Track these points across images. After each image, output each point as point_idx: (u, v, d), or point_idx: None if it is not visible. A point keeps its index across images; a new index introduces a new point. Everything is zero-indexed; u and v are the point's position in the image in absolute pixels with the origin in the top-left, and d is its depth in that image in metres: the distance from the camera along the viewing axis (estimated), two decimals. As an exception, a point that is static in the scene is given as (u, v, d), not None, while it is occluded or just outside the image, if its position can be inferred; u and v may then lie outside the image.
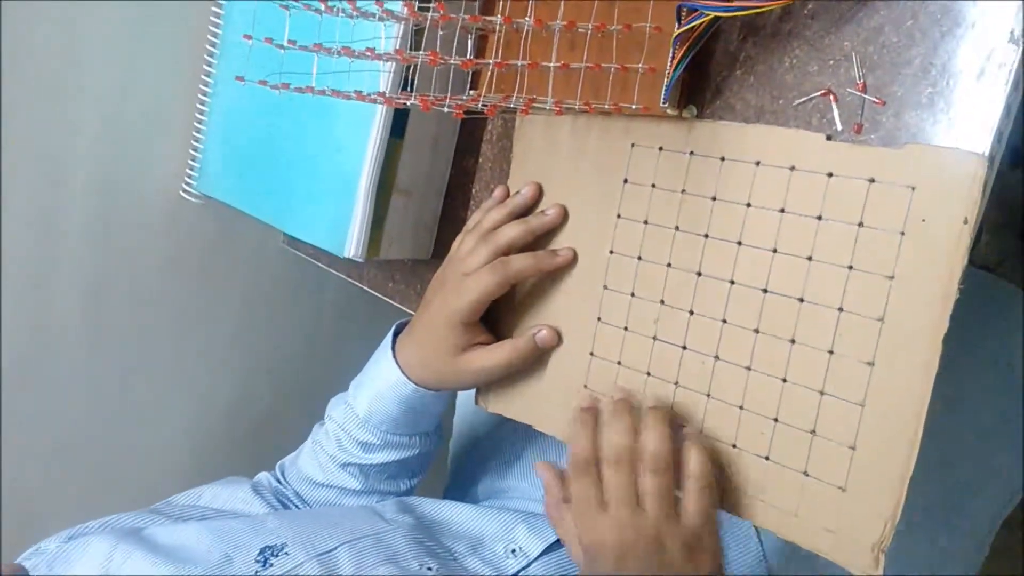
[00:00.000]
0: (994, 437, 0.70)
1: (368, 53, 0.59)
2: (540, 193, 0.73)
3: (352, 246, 0.77)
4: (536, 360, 0.72)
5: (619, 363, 0.69)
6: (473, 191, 0.83)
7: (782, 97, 0.62)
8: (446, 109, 0.55)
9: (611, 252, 0.70)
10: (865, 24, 0.58)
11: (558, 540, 0.71)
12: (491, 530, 0.75)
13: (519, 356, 0.71)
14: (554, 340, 0.71)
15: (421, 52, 0.58)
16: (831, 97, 0.60)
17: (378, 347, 0.79)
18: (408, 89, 0.70)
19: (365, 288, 0.92)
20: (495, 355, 0.71)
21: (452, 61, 0.56)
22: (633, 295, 0.68)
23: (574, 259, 0.71)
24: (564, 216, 0.72)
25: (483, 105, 0.58)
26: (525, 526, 0.74)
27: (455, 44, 0.60)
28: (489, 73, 0.63)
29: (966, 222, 0.52)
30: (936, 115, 0.55)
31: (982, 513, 0.72)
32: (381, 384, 0.76)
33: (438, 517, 0.77)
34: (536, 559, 0.71)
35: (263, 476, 0.86)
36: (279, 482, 0.85)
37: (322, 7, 0.61)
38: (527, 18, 0.59)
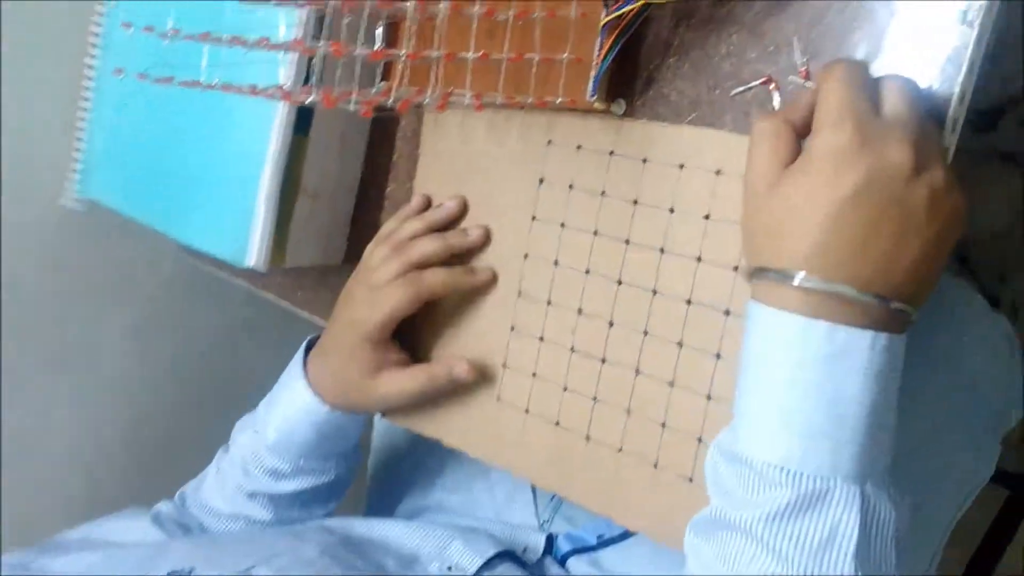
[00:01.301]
0: (948, 434, 0.67)
1: (262, 43, 0.53)
2: (464, 209, 0.68)
3: (253, 255, 0.70)
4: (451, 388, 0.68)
5: (534, 375, 0.64)
6: (388, 190, 0.77)
7: (719, 86, 0.58)
8: (352, 107, 0.49)
9: (526, 256, 0.65)
10: (807, 6, 0.54)
11: (496, 555, 0.66)
12: (425, 547, 0.69)
13: (433, 387, 0.67)
14: (471, 376, 0.66)
15: (322, 42, 0.52)
16: (772, 85, 0.55)
17: (289, 364, 0.73)
18: (313, 83, 0.63)
19: (271, 298, 0.85)
20: (408, 382, 0.67)
21: (358, 52, 0.49)
22: (550, 303, 0.63)
23: (492, 280, 0.66)
24: (486, 239, 0.67)
25: (394, 101, 0.52)
26: (461, 542, 0.69)
27: (361, 32, 0.54)
28: (401, 65, 0.57)
29: None
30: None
31: (939, 510, 0.70)
32: (292, 407, 0.69)
33: (366, 535, 0.71)
34: None
35: (163, 506, 0.78)
36: (181, 512, 0.78)
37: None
38: (442, 3, 0.53)
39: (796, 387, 0.43)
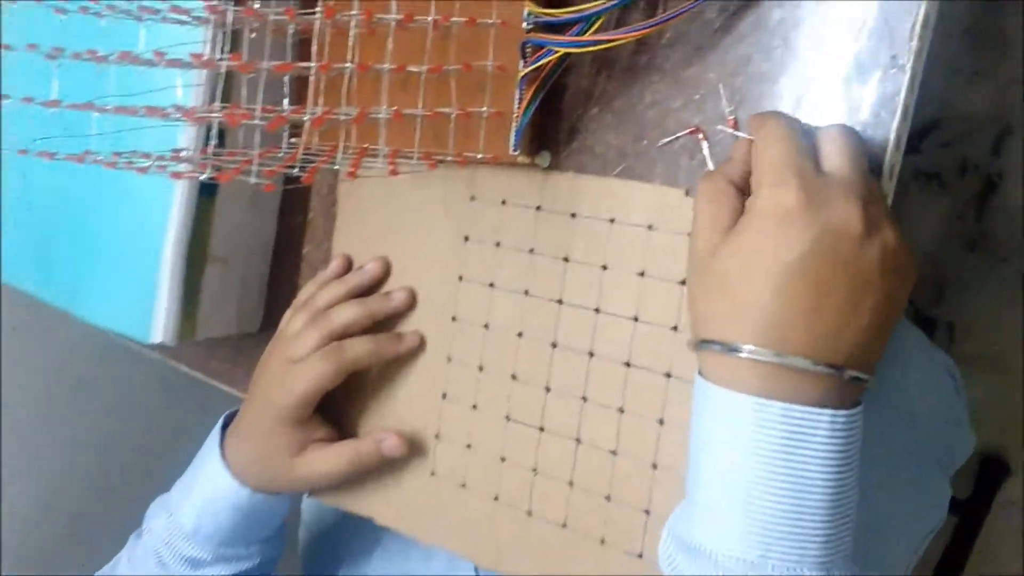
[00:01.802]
0: (896, 481, 0.65)
1: (154, 112, 0.48)
2: (387, 271, 0.64)
3: (160, 330, 0.65)
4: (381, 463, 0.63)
5: (469, 446, 0.60)
6: (304, 251, 0.73)
7: (645, 137, 0.55)
8: (252, 180, 0.45)
9: (454, 319, 0.61)
10: (731, 52, 0.52)
11: None
12: None
13: (361, 463, 0.62)
14: (402, 450, 0.62)
15: (218, 103, 0.47)
16: (700, 136, 0.53)
17: (204, 444, 0.68)
18: (211, 151, 0.59)
19: (184, 369, 0.79)
20: (334, 460, 0.62)
21: (257, 121, 0.45)
22: (481, 368, 0.60)
23: (421, 345, 0.62)
24: (412, 303, 0.63)
25: (299, 169, 0.48)
26: None
27: (261, 89, 0.50)
28: (308, 126, 0.53)
29: None
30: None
31: (894, 561, 0.67)
32: (210, 490, 0.64)
33: None
34: None
35: None
36: None
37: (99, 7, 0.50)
38: (348, 63, 0.50)
39: (754, 475, 0.40)
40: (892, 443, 0.64)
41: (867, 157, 0.45)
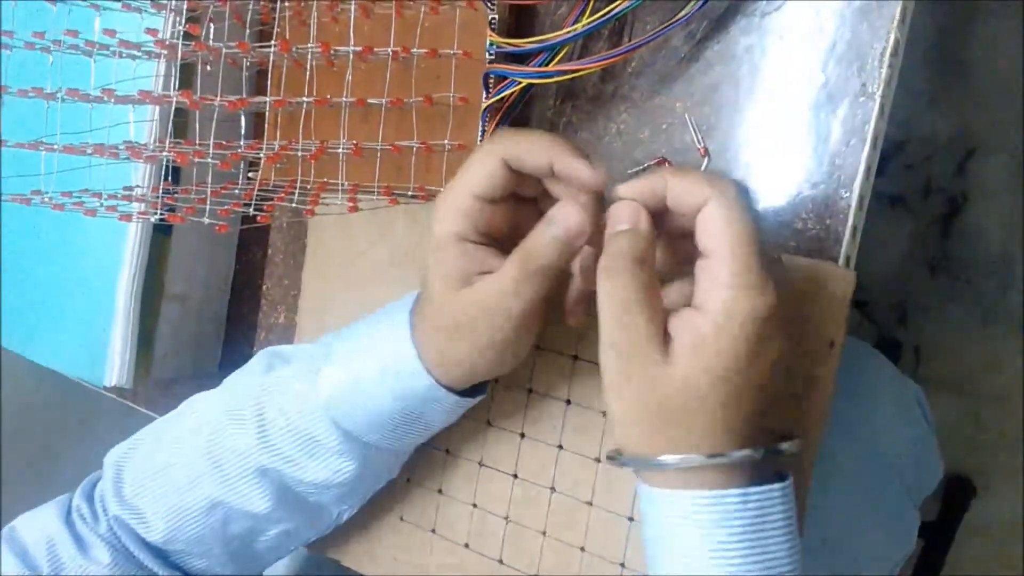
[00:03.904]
0: (867, 514, 0.64)
1: (106, 96, 0.46)
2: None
3: (114, 373, 0.63)
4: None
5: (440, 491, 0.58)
6: (264, 288, 0.70)
7: (612, 168, 0.54)
8: (206, 220, 0.43)
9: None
10: (698, 81, 0.51)
11: None
12: None
13: (532, 265, 0.42)
14: (579, 218, 0.41)
15: (170, 140, 0.46)
16: (667, 166, 0.52)
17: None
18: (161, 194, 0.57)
19: (140, 410, 0.77)
20: (499, 275, 0.43)
21: (209, 159, 0.44)
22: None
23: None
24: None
25: (255, 208, 0.46)
26: None
27: (214, 121, 0.48)
28: (264, 162, 0.51)
29: (832, 345, 0.45)
30: (793, 184, 0.48)
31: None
32: (389, 358, 0.46)
33: None
34: None
35: (75, 503, 0.54)
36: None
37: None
38: (305, 97, 0.48)
39: (728, 568, 0.38)
40: (863, 477, 0.64)
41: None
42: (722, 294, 0.37)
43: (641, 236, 0.39)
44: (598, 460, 0.51)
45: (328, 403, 0.47)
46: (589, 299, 0.42)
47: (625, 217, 0.40)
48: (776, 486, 0.39)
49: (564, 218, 0.41)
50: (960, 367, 1.17)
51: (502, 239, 0.45)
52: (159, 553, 0.53)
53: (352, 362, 0.47)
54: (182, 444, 0.52)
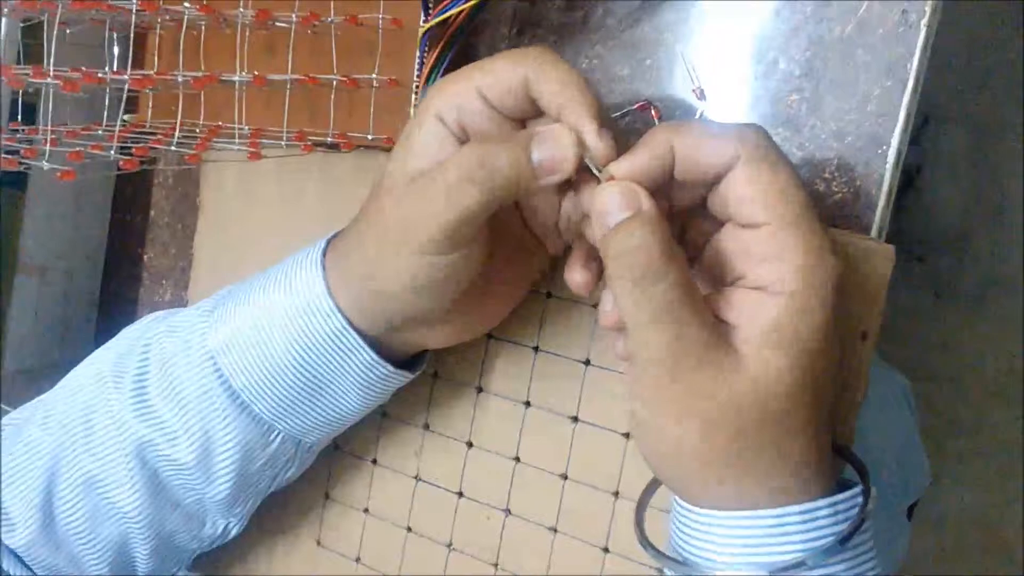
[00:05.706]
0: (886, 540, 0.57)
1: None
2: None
3: (-50, 364, 0.51)
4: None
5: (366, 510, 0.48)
6: (146, 258, 0.59)
7: (581, 115, 0.44)
8: (45, 165, 0.31)
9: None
10: (689, 6, 0.41)
11: None
12: None
13: (497, 178, 0.32)
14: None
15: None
16: (652, 111, 0.42)
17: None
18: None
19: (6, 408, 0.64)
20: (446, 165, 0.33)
21: (50, 80, 0.32)
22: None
23: None
24: None
25: (119, 152, 0.34)
26: None
27: (67, 41, 0.36)
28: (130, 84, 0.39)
29: (864, 338, 0.36)
30: (813, 136, 0.39)
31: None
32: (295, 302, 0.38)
33: None
34: None
35: None
36: None
37: None
38: (187, 3, 0.36)
39: None
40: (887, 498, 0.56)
41: None
42: (796, 262, 0.29)
43: (650, 220, 0.30)
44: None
45: (217, 350, 0.39)
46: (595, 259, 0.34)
47: (624, 204, 0.30)
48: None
49: (562, 148, 0.31)
50: (912, 348, 1.11)
51: None
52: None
53: (249, 304, 0.38)
54: (52, 415, 0.43)
